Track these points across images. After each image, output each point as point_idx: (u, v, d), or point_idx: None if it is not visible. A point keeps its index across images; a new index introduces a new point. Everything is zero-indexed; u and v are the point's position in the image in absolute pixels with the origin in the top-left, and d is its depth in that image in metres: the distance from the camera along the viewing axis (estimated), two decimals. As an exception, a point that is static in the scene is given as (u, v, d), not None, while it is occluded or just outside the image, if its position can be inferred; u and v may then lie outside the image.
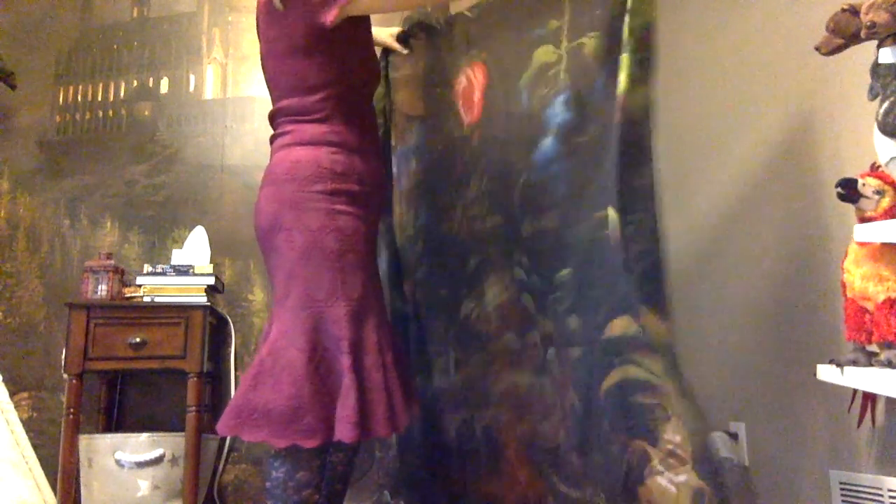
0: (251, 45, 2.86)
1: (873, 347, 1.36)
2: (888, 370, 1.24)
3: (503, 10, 1.87)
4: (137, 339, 2.21)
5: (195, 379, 2.22)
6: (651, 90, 1.56)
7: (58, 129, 2.75)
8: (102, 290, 2.33)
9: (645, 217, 1.52)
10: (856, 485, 1.64)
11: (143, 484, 2.18)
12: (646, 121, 1.54)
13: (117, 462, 2.19)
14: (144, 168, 2.74)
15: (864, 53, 1.33)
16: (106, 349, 2.21)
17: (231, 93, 2.84)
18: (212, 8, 2.91)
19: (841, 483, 1.69)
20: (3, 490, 1.99)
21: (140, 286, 2.35)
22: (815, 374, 1.48)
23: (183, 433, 2.20)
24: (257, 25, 1.71)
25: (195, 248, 2.51)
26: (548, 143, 1.72)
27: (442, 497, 1.96)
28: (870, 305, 1.33)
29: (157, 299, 2.32)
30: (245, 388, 1.46)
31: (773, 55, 2.04)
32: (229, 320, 2.58)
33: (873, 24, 1.23)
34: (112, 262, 2.38)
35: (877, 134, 1.25)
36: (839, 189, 1.36)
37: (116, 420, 2.50)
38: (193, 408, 2.19)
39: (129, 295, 2.36)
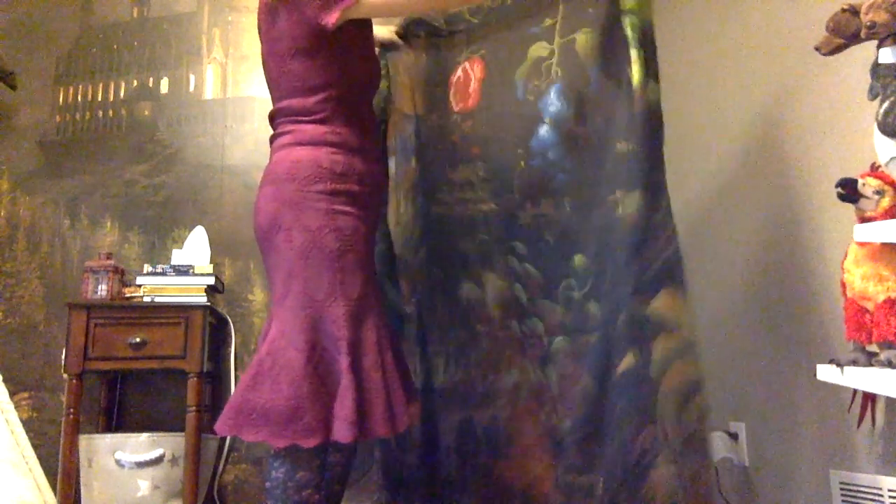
0: (251, 45, 2.86)
1: (873, 347, 1.36)
2: (888, 370, 1.24)
3: (501, 12, 1.91)
4: (137, 339, 2.21)
5: (195, 379, 2.22)
6: (659, 87, 1.64)
7: (58, 129, 2.75)
8: (102, 290, 2.33)
9: (666, 202, 1.59)
10: (856, 485, 1.64)
11: (143, 484, 2.18)
12: (660, 112, 1.62)
13: (117, 462, 2.19)
14: (144, 168, 2.74)
15: (865, 53, 1.33)
16: (106, 349, 2.21)
17: (231, 93, 2.84)
18: (212, 8, 2.91)
19: (841, 483, 1.69)
20: (3, 490, 1.99)
21: (140, 286, 2.35)
22: (815, 374, 1.48)
23: (183, 433, 2.20)
24: (259, 26, 1.72)
25: (195, 248, 2.51)
26: (543, 131, 1.77)
27: (442, 497, 1.96)
28: (870, 305, 1.33)
29: (157, 299, 2.32)
30: (244, 387, 1.46)
31: (772, 56, 2.04)
32: (229, 320, 2.58)
33: (873, 24, 1.23)
34: (112, 262, 2.38)
35: (877, 134, 1.25)
36: (839, 189, 1.36)
37: (116, 420, 2.50)
38: (193, 408, 2.19)
39: (129, 295, 2.36)
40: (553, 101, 1.76)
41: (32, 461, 2.14)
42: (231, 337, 2.58)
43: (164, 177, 2.74)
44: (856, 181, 1.35)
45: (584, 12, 1.73)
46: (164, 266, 2.38)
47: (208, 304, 2.32)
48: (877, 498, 1.57)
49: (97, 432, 2.37)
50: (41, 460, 2.18)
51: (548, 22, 1.80)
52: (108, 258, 2.40)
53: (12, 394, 2.33)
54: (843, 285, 1.41)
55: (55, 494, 2.14)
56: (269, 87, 1.70)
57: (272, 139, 1.67)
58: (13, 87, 2.58)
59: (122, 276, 2.41)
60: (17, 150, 2.69)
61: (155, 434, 2.25)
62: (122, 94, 2.82)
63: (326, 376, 1.46)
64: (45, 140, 2.72)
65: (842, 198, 1.36)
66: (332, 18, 1.55)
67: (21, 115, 2.72)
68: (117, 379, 2.53)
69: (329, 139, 1.58)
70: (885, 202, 1.32)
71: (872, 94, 1.27)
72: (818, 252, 1.81)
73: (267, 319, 1.60)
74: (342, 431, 1.41)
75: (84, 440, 2.21)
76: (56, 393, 2.48)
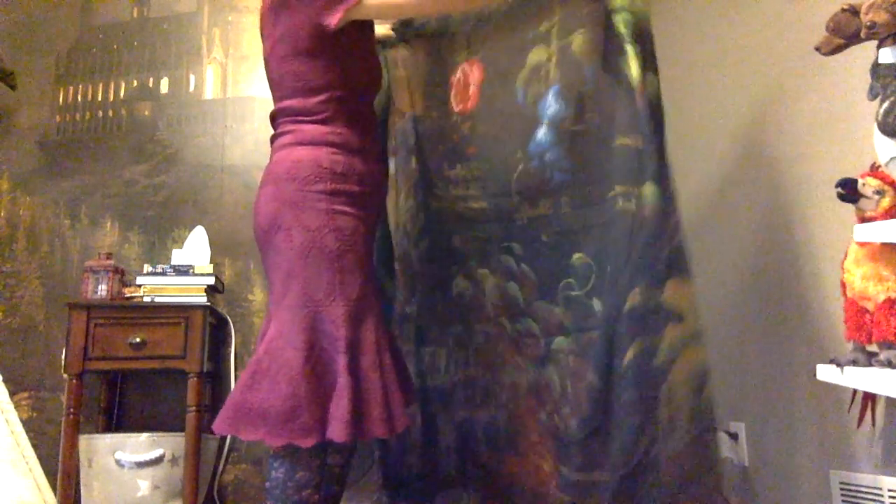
0: (251, 45, 2.86)
1: (873, 347, 1.36)
2: (888, 370, 1.24)
3: (499, 18, 1.93)
4: (137, 339, 2.21)
5: (195, 379, 2.22)
6: (659, 79, 1.67)
7: (58, 129, 2.75)
8: (102, 290, 2.33)
9: (672, 191, 1.60)
10: (856, 485, 1.64)
11: (143, 484, 2.18)
12: (661, 104, 1.64)
13: (117, 462, 2.19)
14: (144, 168, 2.74)
15: (865, 53, 1.33)
16: (106, 349, 2.21)
17: (231, 93, 2.84)
18: (212, 8, 2.91)
19: (841, 483, 1.69)
20: (3, 490, 1.99)
21: (140, 286, 2.35)
22: (815, 374, 1.48)
23: (183, 433, 2.20)
24: (261, 26, 1.72)
25: (195, 248, 2.51)
26: (542, 133, 1.79)
27: (442, 497, 1.96)
28: (870, 305, 1.33)
29: (157, 299, 2.32)
30: (242, 386, 1.46)
31: (772, 55, 2.04)
32: (229, 320, 2.58)
33: (873, 24, 1.23)
34: (112, 262, 2.38)
35: (877, 134, 1.25)
36: (839, 189, 1.36)
37: (116, 420, 2.50)
38: (193, 408, 2.19)
39: (129, 295, 2.36)
40: (551, 103, 1.78)
41: (32, 461, 2.14)
42: (231, 337, 2.57)
43: (164, 177, 2.74)
44: (856, 181, 1.35)
45: (579, 14, 1.75)
46: (164, 266, 2.38)
47: (208, 304, 2.32)
48: (877, 498, 1.57)
49: (97, 432, 2.37)
50: (41, 460, 2.18)
51: (545, 26, 1.82)
52: (108, 258, 2.40)
53: (12, 394, 2.33)
54: (843, 285, 1.41)
55: (55, 494, 2.14)
56: (270, 88, 1.70)
57: (273, 139, 1.67)
58: (13, 87, 2.58)
59: (122, 276, 2.41)
60: (17, 150, 2.69)
61: (155, 434, 2.25)
62: (122, 94, 2.82)
63: (324, 376, 1.46)
64: (45, 140, 2.73)
65: (842, 198, 1.36)
66: (334, 19, 1.56)
67: (21, 115, 2.72)
68: (117, 379, 2.53)
69: (330, 139, 1.59)
70: (885, 202, 1.32)
71: (872, 94, 1.27)
72: (818, 252, 1.81)
73: (265, 319, 1.60)
74: (338, 431, 1.41)
75: (84, 440, 2.21)
76: (56, 393, 2.48)
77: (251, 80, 2.83)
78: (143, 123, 2.79)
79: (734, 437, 2.12)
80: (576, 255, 1.74)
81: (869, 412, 1.54)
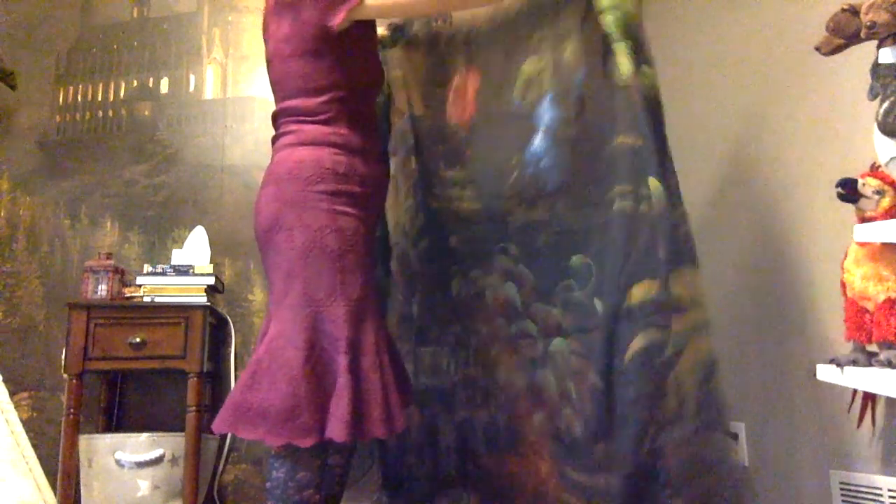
0: (251, 45, 2.86)
1: (873, 347, 1.36)
2: (888, 370, 1.24)
3: (493, 29, 1.97)
4: (137, 339, 2.21)
5: (195, 379, 2.22)
6: (654, 75, 1.68)
7: (58, 129, 2.75)
8: (102, 290, 2.33)
9: (676, 183, 1.62)
10: (856, 485, 1.64)
11: (143, 484, 2.18)
12: (657, 96, 1.65)
13: (117, 462, 2.19)
14: (144, 168, 2.74)
15: (865, 53, 1.33)
16: (106, 349, 2.21)
17: (231, 93, 2.84)
18: (212, 8, 2.91)
19: (841, 483, 1.69)
20: (3, 490, 1.99)
21: (140, 286, 2.35)
22: (815, 374, 1.48)
23: (183, 433, 2.20)
24: (264, 26, 1.72)
25: (195, 248, 2.51)
26: (538, 141, 1.81)
27: (442, 497, 1.96)
28: (870, 305, 1.33)
29: (157, 299, 2.32)
30: (242, 386, 1.46)
31: (771, 55, 2.04)
32: (229, 320, 2.58)
33: (873, 24, 1.23)
34: (112, 262, 2.38)
35: (877, 134, 1.26)
36: (839, 189, 1.36)
37: (116, 420, 2.50)
38: (193, 408, 2.19)
39: (129, 295, 2.36)
40: (546, 111, 1.80)
41: (32, 461, 2.14)
42: (231, 337, 2.57)
43: (164, 177, 2.74)
44: (856, 181, 1.35)
45: (568, 23, 1.78)
46: (164, 266, 2.38)
47: (208, 304, 2.32)
48: (877, 498, 1.57)
49: (97, 432, 2.37)
50: (41, 460, 2.18)
51: (537, 37, 1.86)
52: (108, 258, 2.40)
53: (12, 394, 2.33)
54: (843, 285, 1.41)
55: (55, 494, 2.14)
56: (272, 88, 1.71)
57: (274, 139, 1.67)
58: (13, 87, 2.58)
59: (122, 276, 2.41)
60: (17, 150, 2.69)
61: (155, 434, 2.25)
62: (122, 94, 2.82)
63: (324, 376, 1.46)
64: (45, 140, 2.72)
65: (842, 198, 1.36)
66: (337, 20, 1.56)
67: (21, 115, 2.72)
68: (117, 379, 2.53)
69: (332, 140, 1.59)
70: (885, 202, 1.32)
71: (872, 94, 1.27)
72: (817, 252, 1.81)
73: (265, 319, 1.60)
74: (338, 431, 1.41)
75: (84, 440, 2.21)
76: (56, 393, 2.48)
77: (251, 80, 2.83)
78: (143, 123, 2.79)
79: (734, 437, 2.11)
80: (575, 256, 1.74)
81: (869, 412, 1.54)
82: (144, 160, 2.75)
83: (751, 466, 2.08)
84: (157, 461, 2.20)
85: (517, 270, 1.86)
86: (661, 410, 1.52)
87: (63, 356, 2.25)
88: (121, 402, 2.53)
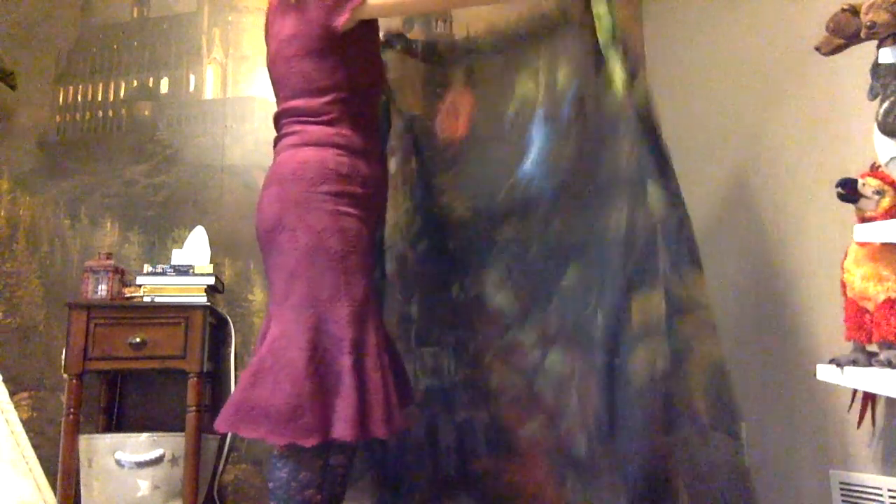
0: (251, 45, 2.86)
1: (873, 347, 1.36)
2: (888, 370, 1.24)
3: (489, 49, 2.01)
4: (137, 339, 2.21)
5: (195, 379, 2.22)
6: (645, 82, 1.72)
7: (58, 129, 2.75)
8: (102, 290, 2.33)
9: (676, 188, 1.64)
10: (856, 485, 1.64)
11: (143, 484, 2.18)
12: (650, 105, 1.67)
13: (117, 462, 2.19)
14: (144, 168, 2.74)
15: (865, 53, 1.33)
16: (106, 349, 2.21)
17: (231, 93, 2.84)
18: (212, 8, 2.91)
19: (841, 483, 1.69)
20: (3, 490, 1.99)
21: (140, 286, 2.35)
22: (815, 374, 1.48)
23: (183, 433, 2.20)
24: (266, 26, 1.72)
25: (195, 248, 2.51)
26: (528, 163, 1.86)
27: (442, 497, 1.96)
28: (870, 305, 1.33)
29: (157, 299, 2.32)
30: (244, 385, 1.46)
31: (772, 56, 2.04)
32: (229, 320, 2.58)
33: (873, 24, 1.23)
34: (112, 262, 2.38)
35: (877, 134, 1.26)
36: (839, 189, 1.36)
37: (116, 420, 2.50)
38: (193, 408, 2.19)
39: (129, 295, 2.36)
40: (538, 128, 1.85)
41: (32, 461, 2.14)
42: (231, 337, 2.57)
43: (164, 177, 2.73)
44: (856, 181, 1.35)
45: (563, 44, 1.83)
46: (164, 266, 2.38)
47: (208, 304, 2.32)
48: (877, 498, 1.57)
49: (97, 432, 2.37)
50: (41, 460, 2.18)
51: (534, 59, 1.89)
52: (108, 258, 2.39)
53: (12, 394, 2.33)
54: (843, 285, 1.41)
55: (55, 494, 2.14)
56: (274, 88, 1.71)
57: (277, 140, 1.67)
58: (13, 87, 2.58)
59: (122, 276, 2.41)
60: (17, 150, 2.68)
61: (155, 434, 2.25)
62: (122, 94, 2.82)
63: (326, 376, 1.46)
64: (45, 140, 2.72)
65: (842, 198, 1.36)
66: (342, 19, 1.57)
67: (21, 115, 2.72)
68: (117, 379, 2.53)
69: (335, 141, 1.59)
70: (885, 202, 1.32)
71: (872, 94, 1.27)
72: (817, 252, 1.81)
73: (265, 319, 1.59)
74: (345, 431, 1.41)
75: (84, 440, 2.21)
76: (56, 393, 2.48)
77: (251, 80, 2.83)
78: (143, 123, 2.79)
79: (736, 437, 2.11)
80: (571, 271, 1.77)
81: (869, 412, 1.54)
82: (144, 160, 2.75)
83: (751, 466, 2.08)
84: (157, 461, 2.20)
85: (511, 281, 1.88)
86: (668, 415, 1.52)
87: (63, 356, 2.25)
88: (121, 402, 2.53)
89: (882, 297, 1.29)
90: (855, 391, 1.54)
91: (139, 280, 2.36)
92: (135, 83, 2.83)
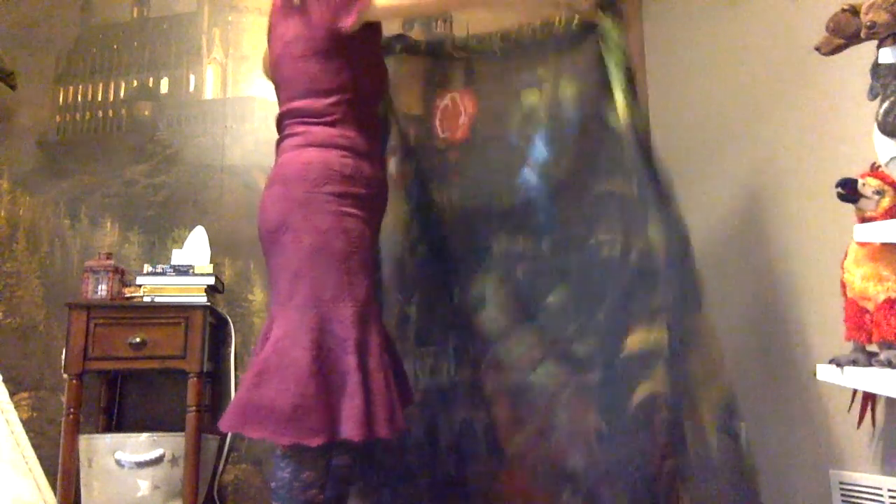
0: (251, 45, 2.86)
1: (873, 347, 1.36)
2: (888, 370, 1.24)
3: (496, 55, 1.99)
4: (137, 339, 2.21)
5: (195, 379, 2.22)
6: (643, 109, 1.74)
7: (58, 129, 2.75)
8: (102, 290, 2.33)
9: (682, 229, 1.64)
10: (856, 485, 1.64)
11: (143, 484, 2.18)
12: (649, 142, 1.71)
13: (117, 462, 2.19)
14: (144, 168, 2.74)
15: (865, 53, 1.33)
16: (106, 349, 2.21)
17: (231, 93, 2.84)
18: (212, 8, 2.91)
19: (841, 483, 1.69)
20: (3, 490, 1.99)
21: (140, 286, 2.35)
22: (815, 374, 1.48)
23: (183, 433, 2.20)
24: (270, 27, 1.73)
25: (195, 248, 2.51)
26: (527, 173, 1.88)
27: (442, 497, 1.96)
28: (870, 305, 1.33)
29: (157, 299, 2.32)
30: (248, 385, 1.46)
31: (772, 56, 2.04)
32: (229, 320, 2.58)
33: (873, 24, 1.23)
34: (112, 262, 2.38)
35: (877, 134, 1.26)
36: (839, 189, 1.36)
37: (116, 420, 2.50)
38: (193, 408, 2.19)
39: (129, 295, 2.36)
40: (539, 147, 1.86)
41: (32, 461, 2.14)
42: (231, 337, 2.57)
43: (164, 177, 2.73)
44: (856, 181, 1.35)
45: (572, 61, 1.83)
46: (164, 266, 2.38)
47: (208, 304, 2.32)
48: (877, 498, 1.57)
49: (97, 432, 2.37)
50: (41, 460, 2.18)
51: (541, 71, 1.90)
52: (108, 258, 2.39)
53: (12, 394, 2.33)
54: (843, 285, 1.41)
55: (55, 494, 2.14)
56: (277, 89, 1.71)
57: (280, 140, 1.68)
58: (13, 87, 2.58)
59: (122, 276, 2.41)
60: (17, 150, 2.68)
61: (155, 434, 2.25)
62: (122, 94, 2.82)
63: (330, 376, 1.46)
64: (45, 140, 2.72)
65: (842, 198, 1.36)
66: (349, 21, 1.58)
67: (21, 115, 2.72)
68: (117, 379, 2.53)
69: (339, 142, 1.60)
70: (885, 202, 1.32)
71: (872, 94, 1.28)
72: (817, 252, 1.81)
73: (267, 319, 1.60)
74: (352, 430, 1.42)
75: (84, 440, 2.21)
76: (56, 393, 2.48)
77: (251, 80, 2.83)
78: (143, 123, 2.79)
79: (735, 437, 2.11)
80: (552, 298, 1.80)
81: (869, 412, 1.54)
82: (144, 160, 2.75)
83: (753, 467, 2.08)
84: (157, 461, 2.20)
85: (498, 295, 1.90)
86: (667, 464, 1.53)
87: (63, 356, 2.25)
88: (121, 402, 2.53)
89: (882, 297, 1.29)
90: (855, 391, 1.54)
91: (139, 280, 2.36)
92: (135, 83, 2.83)
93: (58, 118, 2.75)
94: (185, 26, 2.88)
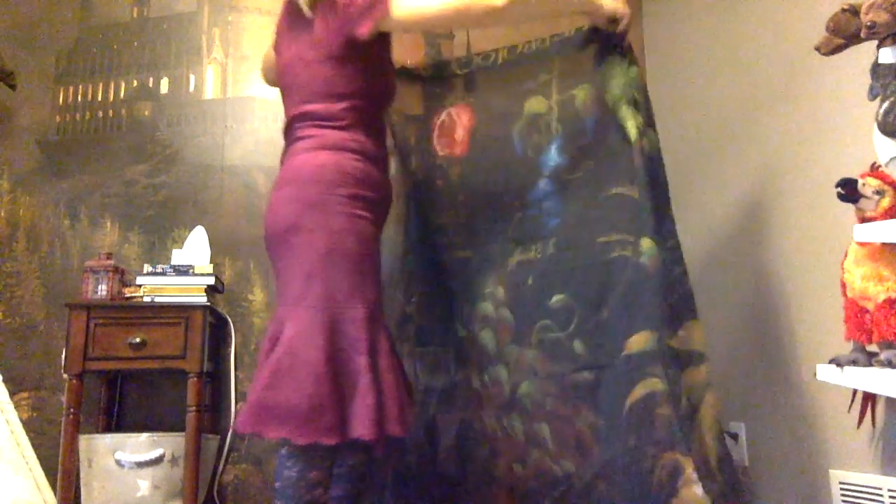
0: (251, 45, 2.86)
1: (873, 347, 1.36)
2: (888, 370, 1.24)
3: (492, 68, 1.97)
4: (137, 339, 2.21)
5: (195, 379, 2.22)
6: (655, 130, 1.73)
7: (58, 129, 2.75)
8: (102, 290, 2.33)
9: (675, 242, 1.66)
10: (856, 485, 1.64)
11: (143, 484, 2.18)
12: (660, 158, 1.70)
13: (117, 462, 2.19)
14: (144, 168, 2.74)
15: (865, 53, 1.33)
16: (106, 349, 2.20)
17: (231, 93, 2.84)
18: (212, 8, 2.91)
19: (841, 483, 1.69)
20: (3, 490, 1.99)
21: (140, 286, 2.35)
22: (815, 374, 1.48)
23: (183, 433, 2.20)
24: (280, 28, 1.73)
25: (195, 248, 2.51)
26: (543, 184, 1.87)
27: (442, 498, 1.96)
28: (870, 305, 1.33)
29: (157, 299, 2.32)
30: (263, 386, 1.46)
31: (772, 56, 2.04)
32: (229, 320, 2.58)
33: (873, 24, 1.23)
34: (112, 262, 2.38)
35: (877, 134, 1.26)
36: (839, 189, 1.36)
37: (116, 420, 2.50)
38: (193, 408, 2.19)
39: (129, 295, 2.36)
40: (553, 157, 1.85)
41: (32, 461, 2.14)
42: (231, 337, 2.57)
43: (164, 177, 2.73)
44: (856, 181, 1.35)
45: (579, 69, 1.81)
46: (164, 266, 2.38)
47: (208, 304, 2.32)
48: (877, 498, 1.57)
49: (97, 432, 2.37)
50: (41, 460, 2.18)
51: (543, 77, 1.87)
52: (108, 258, 2.39)
53: (12, 394, 2.33)
54: (843, 285, 1.41)
55: (55, 494, 2.14)
56: (285, 92, 1.71)
57: (290, 143, 1.68)
58: (13, 87, 2.58)
59: (122, 276, 2.41)
60: (17, 150, 2.68)
61: (155, 434, 2.25)
62: (122, 94, 2.82)
63: (343, 376, 1.47)
64: (45, 140, 2.72)
65: (842, 198, 1.37)
66: (365, 29, 1.58)
67: (21, 115, 2.72)
68: (117, 379, 2.52)
69: (351, 146, 1.61)
70: (885, 202, 1.32)
71: (872, 94, 1.28)
72: (817, 252, 1.81)
73: (274, 320, 1.59)
74: (366, 429, 1.42)
75: (84, 440, 2.21)
76: (56, 393, 2.48)
77: (251, 80, 2.83)
78: (143, 123, 2.79)
79: (734, 437, 2.12)
80: (556, 297, 1.79)
81: (869, 412, 1.54)
82: (144, 160, 2.75)
83: (751, 466, 2.08)
84: (157, 461, 2.20)
85: (497, 315, 1.90)
86: (666, 455, 1.52)
87: (63, 356, 2.25)
88: (121, 402, 2.53)
89: (882, 297, 1.30)
90: (855, 391, 1.54)
91: (139, 280, 2.36)
92: (135, 83, 2.83)
93: (58, 118, 2.75)
94: (185, 26, 2.88)
